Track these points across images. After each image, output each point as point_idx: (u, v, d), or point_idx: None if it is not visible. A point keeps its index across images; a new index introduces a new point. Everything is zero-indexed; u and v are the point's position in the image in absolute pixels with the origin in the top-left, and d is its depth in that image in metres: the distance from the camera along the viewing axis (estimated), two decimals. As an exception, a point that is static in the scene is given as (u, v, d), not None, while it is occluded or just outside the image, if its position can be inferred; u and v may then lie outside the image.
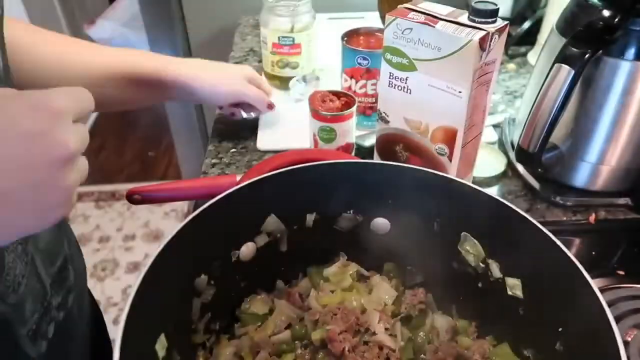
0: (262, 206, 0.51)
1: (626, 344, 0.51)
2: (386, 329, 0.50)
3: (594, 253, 0.66)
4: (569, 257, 0.41)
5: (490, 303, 0.50)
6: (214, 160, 0.82)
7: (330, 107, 0.74)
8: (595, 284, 0.39)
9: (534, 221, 0.44)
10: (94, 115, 2.73)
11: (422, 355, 0.50)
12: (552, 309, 0.43)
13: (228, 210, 0.47)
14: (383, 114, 0.69)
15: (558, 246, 0.42)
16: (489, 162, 0.79)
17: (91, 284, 1.82)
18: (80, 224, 2.07)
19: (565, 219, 0.71)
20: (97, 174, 2.41)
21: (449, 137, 0.63)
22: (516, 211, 0.45)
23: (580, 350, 0.40)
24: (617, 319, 0.52)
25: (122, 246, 2.01)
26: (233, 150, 0.85)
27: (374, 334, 0.50)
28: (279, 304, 0.54)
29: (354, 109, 0.74)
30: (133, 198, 0.67)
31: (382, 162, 0.52)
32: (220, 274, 0.49)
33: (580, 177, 0.73)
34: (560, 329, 0.42)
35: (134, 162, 2.48)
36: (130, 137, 2.64)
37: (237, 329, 0.53)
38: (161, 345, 0.41)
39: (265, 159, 0.70)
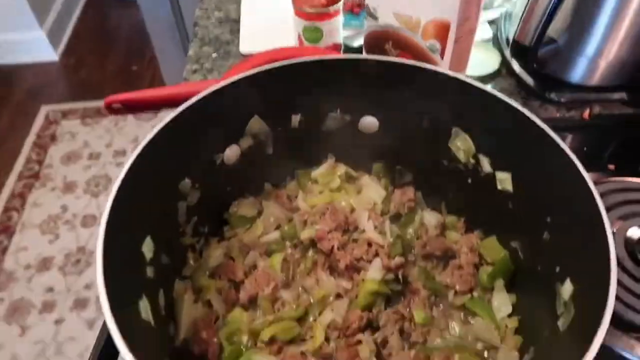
0: (244, 107, 0.49)
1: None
2: (375, 227, 0.50)
3: (585, 149, 0.65)
4: (559, 146, 0.39)
5: (479, 199, 0.50)
6: (195, 67, 0.79)
7: (315, 4, 0.70)
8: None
9: (524, 110, 0.42)
10: (68, 32, 2.59)
11: (410, 251, 0.51)
12: (541, 199, 0.43)
13: (208, 112, 0.45)
14: (372, 10, 0.64)
15: (549, 135, 0.40)
16: (483, 60, 0.76)
17: (85, 200, 1.84)
18: (68, 141, 2.03)
19: (558, 115, 0.70)
20: (79, 90, 2.33)
21: (441, 32, 0.59)
22: (506, 102, 0.43)
23: (567, 239, 0.40)
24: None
25: (112, 162, 1.99)
26: (214, 55, 0.80)
27: (363, 231, 0.50)
28: (267, 206, 0.53)
29: (340, 4, 0.69)
30: (112, 107, 0.64)
31: (368, 56, 0.49)
32: (205, 178, 0.48)
33: (577, 72, 0.71)
34: (548, 219, 0.42)
35: (117, 77, 2.40)
36: (111, 51, 2.53)
37: (226, 232, 0.53)
38: (148, 248, 0.40)
39: (245, 59, 0.66)
